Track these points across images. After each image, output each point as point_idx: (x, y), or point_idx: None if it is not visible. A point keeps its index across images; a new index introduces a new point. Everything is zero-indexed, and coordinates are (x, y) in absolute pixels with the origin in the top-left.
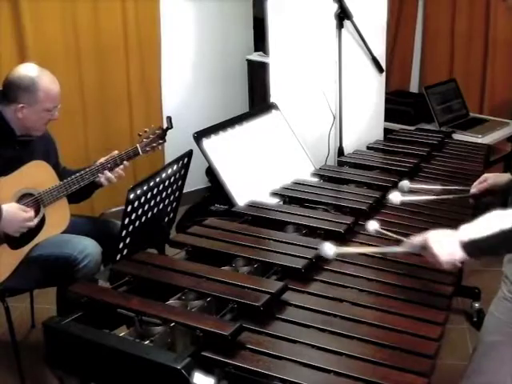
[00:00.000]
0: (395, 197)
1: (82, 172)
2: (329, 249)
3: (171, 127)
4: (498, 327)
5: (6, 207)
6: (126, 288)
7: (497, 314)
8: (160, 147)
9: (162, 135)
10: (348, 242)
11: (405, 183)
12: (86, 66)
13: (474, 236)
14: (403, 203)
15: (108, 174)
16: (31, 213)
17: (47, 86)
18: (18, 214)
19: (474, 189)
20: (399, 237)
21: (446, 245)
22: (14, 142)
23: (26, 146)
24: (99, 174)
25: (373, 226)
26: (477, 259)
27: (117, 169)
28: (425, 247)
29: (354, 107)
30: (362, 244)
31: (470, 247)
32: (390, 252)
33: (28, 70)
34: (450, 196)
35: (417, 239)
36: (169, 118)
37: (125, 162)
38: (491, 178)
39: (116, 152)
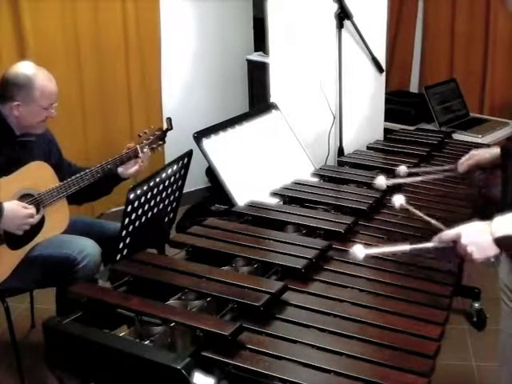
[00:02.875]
0: (380, 181)
1: (82, 173)
2: (359, 251)
3: (171, 128)
4: None
5: (7, 204)
6: (125, 288)
7: (510, 331)
8: (160, 148)
9: (161, 136)
10: (349, 243)
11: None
12: (86, 66)
13: (508, 230)
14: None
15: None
16: (32, 209)
17: (43, 84)
18: (19, 210)
19: (463, 166)
20: (425, 216)
21: (479, 243)
22: (14, 142)
23: (26, 146)
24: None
25: (398, 200)
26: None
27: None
28: (457, 242)
29: (353, 107)
30: (361, 244)
31: (504, 242)
32: (421, 248)
33: (24, 68)
34: (439, 175)
35: (449, 235)
36: (169, 119)
37: (145, 150)
38: (477, 155)
39: (131, 145)
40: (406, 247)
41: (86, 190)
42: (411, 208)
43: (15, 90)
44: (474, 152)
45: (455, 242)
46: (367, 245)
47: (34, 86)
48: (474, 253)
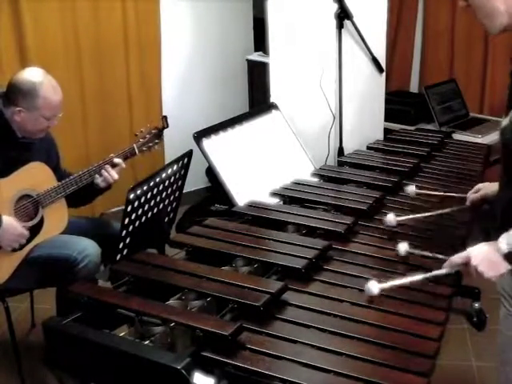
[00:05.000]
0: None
1: (80, 173)
2: (372, 286)
3: (167, 126)
4: None
5: (5, 218)
6: (125, 288)
7: (509, 334)
8: (156, 147)
9: (158, 135)
10: (349, 243)
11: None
12: (85, 66)
13: None
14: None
15: (105, 173)
16: (27, 232)
17: (48, 94)
18: (16, 228)
19: (468, 201)
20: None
21: (489, 261)
22: (16, 143)
23: (28, 147)
24: (97, 176)
25: (403, 247)
26: None
27: (112, 171)
28: (468, 265)
29: (354, 107)
30: (361, 244)
31: None
32: (433, 276)
33: (32, 75)
34: (448, 210)
35: (459, 258)
36: (164, 118)
37: (120, 162)
38: (484, 188)
39: (112, 155)
40: (419, 277)
41: (72, 195)
42: (417, 251)
43: (19, 96)
44: (480, 185)
45: (466, 264)
46: (368, 245)
47: (39, 95)
48: (486, 272)
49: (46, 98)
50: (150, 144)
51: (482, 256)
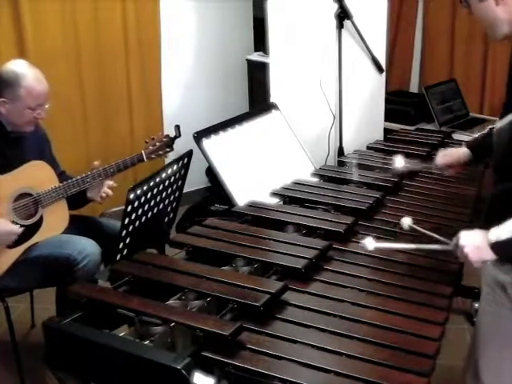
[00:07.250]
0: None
1: (84, 175)
2: (369, 243)
3: (179, 136)
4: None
5: None
6: (125, 288)
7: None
8: (167, 155)
9: (169, 143)
10: (349, 243)
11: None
12: (86, 67)
13: (502, 237)
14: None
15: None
16: (17, 228)
17: (30, 83)
18: (3, 225)
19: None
20: (431, 233)
21: (476, 245)
22: (6, 137)
23: (19, 142)
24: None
25: (406, 221)
26: (506, 260)
27: (105, 188)
28: (457, 247)
29: (353, 107)
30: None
31: (498, 248)
32: (425, 249)
33: (15, 66)
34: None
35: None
36: (177, 127)
37: (110, 183)
38: (449, 155)
39: (97, 163)
40: (412, 246)
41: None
42: (419, 228)
43: (2, 86)
44: (447, 151)
45: (456, 247)
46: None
47: (21, 84)
48: (470, 254)
49: (29, 88)
50: (160, 152)
51: (470, 239)
